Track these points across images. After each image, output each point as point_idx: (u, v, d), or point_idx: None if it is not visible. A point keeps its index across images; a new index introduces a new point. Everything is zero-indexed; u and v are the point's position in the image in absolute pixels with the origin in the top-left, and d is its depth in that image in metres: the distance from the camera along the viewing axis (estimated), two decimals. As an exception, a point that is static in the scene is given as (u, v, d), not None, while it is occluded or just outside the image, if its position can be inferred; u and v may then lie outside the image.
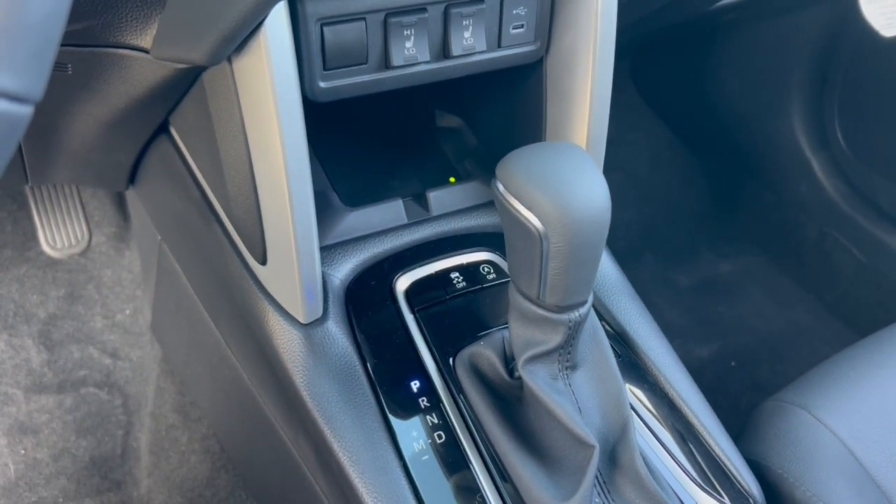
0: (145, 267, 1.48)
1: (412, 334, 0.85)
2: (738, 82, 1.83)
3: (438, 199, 0.96)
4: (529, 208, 0.64)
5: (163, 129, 1.01)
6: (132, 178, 1.23)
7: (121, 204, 1.64)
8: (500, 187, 0.66)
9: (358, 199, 0.95)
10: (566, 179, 0.64)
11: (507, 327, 0.76)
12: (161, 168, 1.08)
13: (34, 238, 1.59)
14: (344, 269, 0.89)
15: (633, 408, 0.82)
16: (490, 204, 0.97)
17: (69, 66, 0.82)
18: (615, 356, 0.80)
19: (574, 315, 0.69)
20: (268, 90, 0.71)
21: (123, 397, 1.48)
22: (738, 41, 1.77)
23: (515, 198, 0.65)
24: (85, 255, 1.60)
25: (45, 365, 1.48)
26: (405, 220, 0.94)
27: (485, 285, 0.90)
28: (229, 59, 0.73)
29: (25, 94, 0.42)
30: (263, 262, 0.85)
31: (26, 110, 0.43)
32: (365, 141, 1.08)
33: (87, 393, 1.47)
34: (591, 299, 0.70)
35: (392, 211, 0.94)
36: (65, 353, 1.50)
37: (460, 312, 0.87)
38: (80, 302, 1.56)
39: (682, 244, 1.93)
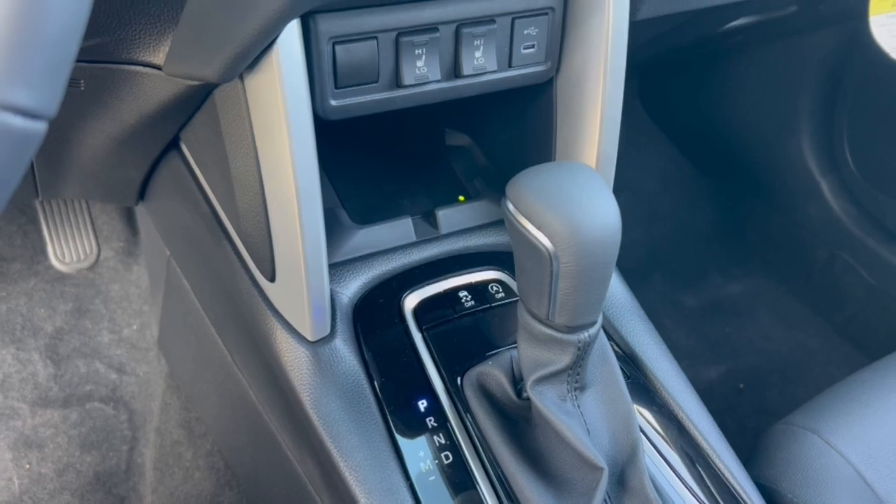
0: (153, 282, 1.48)
1: (420, 353, 0.84)
2: (747, 103, 1.83)
3: (448, 217, 0.95)
4: (539, 228, 0.64)
5: (174, 145, 1.01)
6: (142, 194, 1.23)
7: (130, 219, 1.64)
8: (510, 206, 0.66)
9: (367, 216, 0.95)
10: (576, 199, 0.64)
11: (515, 347, 0.76)
12: (171, 184, 1.08)
13: (43, 252, 1.59)
14: (352, 287, 0.89)
15: (642, 430, 0.82)
16: (499, 223, 0.97)
17: (82, 81, 0.82)
18: (624, 377, 0.79)
19: (583, 336, 0.69)
20: (279, 108, 0.71)
21: (129, 412, 1.48)
22: (747, 63, 1.77)
23: (525, 217, 0.65)
24: (93, 269, 1.61)
25: (52, 379, 1.48)
26: (414, 238, 0.94)
27: (493, 304, 0.89)
28: (241, 77, 0.73)
29: (40, 110, 0.42)
30: (272, 279, 0.85)
31: (41, 126, 0.43)
32: (375, 159, 1.08)
33: (92, 408, 1.46)
34: (600, 320, 0.70)
35: (401, 229, 0.94)
36: (71, 367, 1.50)
37: (468, 331, 0.86)
38: (87, 316, 1.56)
39: (690, 265, 1.93)
